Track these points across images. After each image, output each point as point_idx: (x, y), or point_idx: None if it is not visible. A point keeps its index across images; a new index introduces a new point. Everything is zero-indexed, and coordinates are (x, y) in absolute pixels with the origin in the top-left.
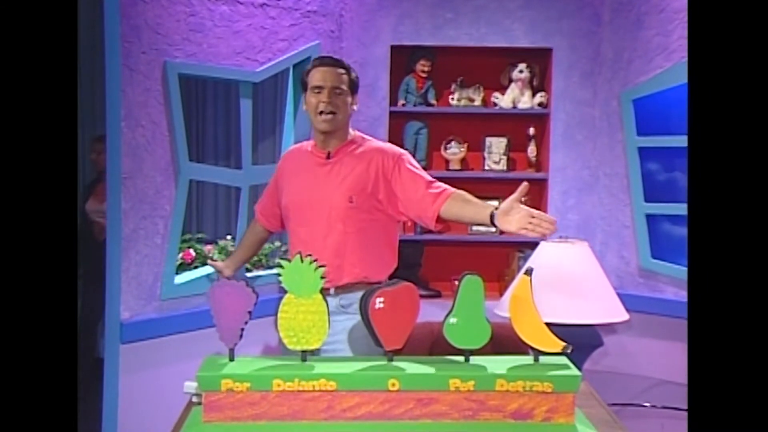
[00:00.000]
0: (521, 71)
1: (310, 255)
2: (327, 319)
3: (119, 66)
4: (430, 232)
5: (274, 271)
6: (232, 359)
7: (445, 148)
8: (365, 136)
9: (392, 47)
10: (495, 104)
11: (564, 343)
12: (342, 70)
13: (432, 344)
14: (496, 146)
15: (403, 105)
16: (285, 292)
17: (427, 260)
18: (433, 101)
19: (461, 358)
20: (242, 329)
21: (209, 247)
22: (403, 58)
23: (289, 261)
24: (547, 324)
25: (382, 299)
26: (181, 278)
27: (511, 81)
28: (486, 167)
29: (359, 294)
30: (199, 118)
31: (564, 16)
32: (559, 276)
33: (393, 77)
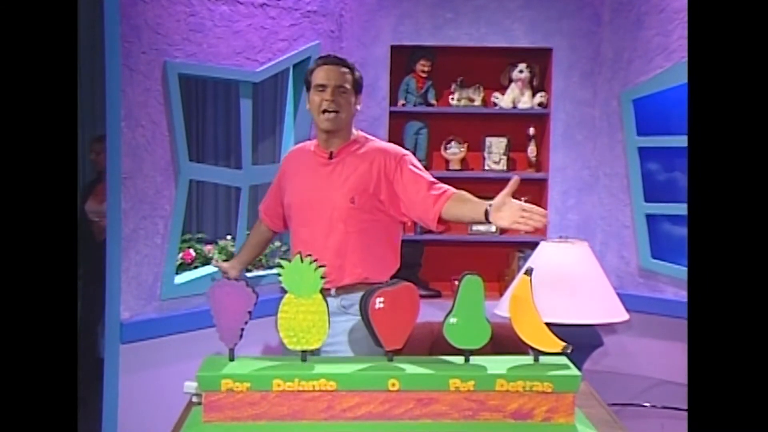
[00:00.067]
0: (521, 71)
1: (309, 255)
2: (327, 319)
3: (119, 66)
4: (430, 232)
5: (274, 271)
6: (232, 359)
7: (445, 148)
8: (368, 136)
9: (392, 47)
10: (495, 104)
11: (564, 343)
12: (346, 69)
13: (432, 344)
14: (496, 146)
15: (403, 105)
16: (285, 292)
17: (427, 260)
18: (433, 101)
19: (461, 358)
20: (242, 329)
21: (209, 247)
22: (403, 58)
23: (289, 261)
24: (547, 324)
25: (382, 299)
26: (181, 278)
27: (511, 81)
28: (486, 167)
29: (360, 295)
30: (199, 118)
31: (564, 16)
32: (559, 276)
33: (393, 77)
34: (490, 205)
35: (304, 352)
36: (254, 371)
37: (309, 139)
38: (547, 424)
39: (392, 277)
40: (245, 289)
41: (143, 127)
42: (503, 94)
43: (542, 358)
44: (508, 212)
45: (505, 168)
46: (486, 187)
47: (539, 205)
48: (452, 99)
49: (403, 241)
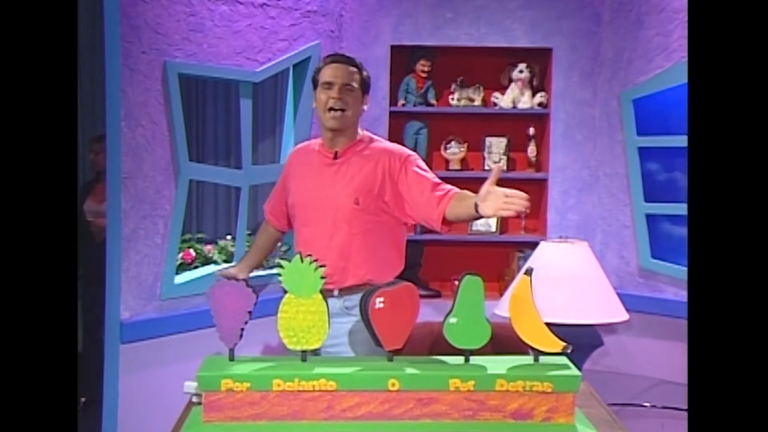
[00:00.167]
0: (521, 71)
1: (310, 255)
2: (327, 319)
3: (119, 66)
4: (430, 231)
5: (274, 271)
6: (232, 359)
7: (445, 148)
8: (374, 136)
9: (392, 47)
10: (495, 104)
11: (564, 343)
12: (354, 68)
13: (432, 344)
14: (496, 146)
15: (403, 105)
16: (285, 292)
17: (427, 260)
18: (433, 101)
19: (461, 358)
20: (242, 329)
21: (209, 247)
22: (403, 58)
23: (290, 261)
24: (547, 324)
25: (382, 299)
26: (181, 278)
27: (511, 81)
28: (486, 167)
29: None
30: (199, 118)
31: (564, 16)
32: (559, 276)
33: (393, 77)
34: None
35: (304, 352)
36: (254, 371)
37: (309, 139)
38: (547, 424)
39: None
40: (245, 289)
41: (143, 127)
42: (503, 94)
43: (542, 358)
44: (493, 201)
45: (505, 168)
46: None
47: (539, 205)
48: (452, 99)
49: None
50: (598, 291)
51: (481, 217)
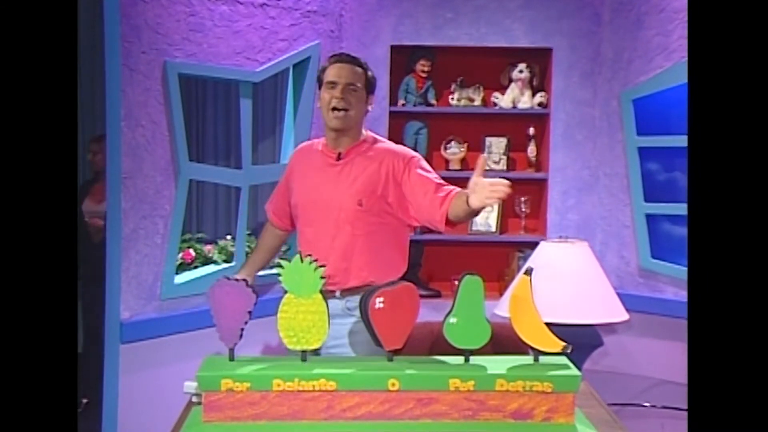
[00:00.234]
0: (521, 71)
1: (310, 255)
2: (327, 319)
3: (119, 66)
4: (430, 232)
5: (274, 271)
6: (232, 359)
7: (445, 148)
8: (378, 137)
9: (392, 47)
10: (495, 104)
11: (564, 343)
12: (358, 68)
13: (432, 344)
14: (496, 146)
15: (403, 105)
16: (285, 291)
17: (427, 260)
18: (433, 101)
19: (461, 358)
20: (242, 329)
21: (209, 247)
22: (403, 58)
23: (290, 261)
24: (547, 324)
25: (382, 299)
26: (181, 278)
27: (511, 81)
28: (486, 167)
29: None
30: (199, 118)
31: (564, 16)
32: (559, 276)
33: (393, 77)
34: None
35: (304, 352)
36: (254, 371)
37: (309, 139)
38: (547, 424)
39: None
40: (245, 289)
41: (143, 127)
42: (503, 94)
43: (542, 358)
44: (480, 191)
45: (505, 168)
46: None
47: (539, 205)
48: (452, 99)
49: None
50: (598, 291)
51: (474, 210)
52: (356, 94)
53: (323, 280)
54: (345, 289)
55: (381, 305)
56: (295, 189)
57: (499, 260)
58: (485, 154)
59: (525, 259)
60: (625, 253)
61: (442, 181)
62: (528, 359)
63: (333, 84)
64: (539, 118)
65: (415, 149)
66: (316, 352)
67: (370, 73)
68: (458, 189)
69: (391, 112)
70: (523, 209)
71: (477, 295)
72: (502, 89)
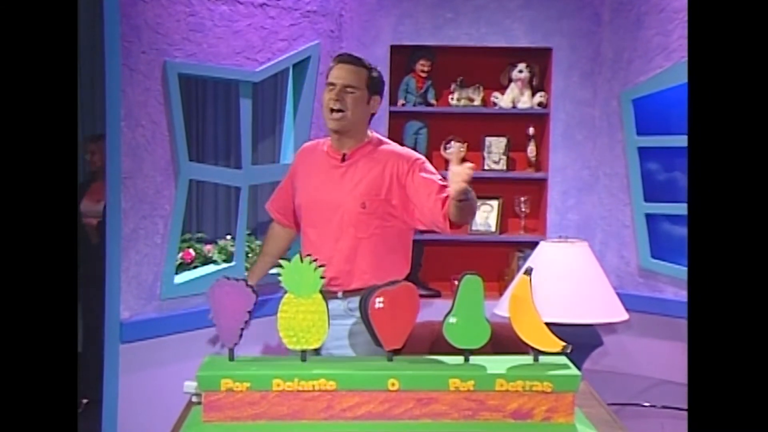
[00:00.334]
0: (521, 71)
1: (309, 255)
2: (327, 319)
3: (119, 66)
4: (430, 231)
5: (274, 271)
6: (232, 359)
7: (445, 148)
8: (383, 139)
9: (392, 47)
10: (495, 104)
11: (564, 343)
12: (360, 69)
13: (432, 344)
14: (496, 146)
15: (403, 105)
16: (285, 291)
17: (427, 260)
18: (433, 101)
19: (461, 358)
20: (242, 329)
21: (209, 246)
22: (402, 58)
23: (289, 261)
24: (547, 324)
25: (382, 299)
26: (180, 278)
27: (510, 81)
28: (486, 167)
29: None
30: (199, 118)
31: (564, 16)
32: (559, 276)
33: (393, 77)
34: None
35: (303, 351)
36: (254, 371)
37: (309, 139)
38: (546, 423)
39: None
40: (245, 289)
41: (143, 127)
42: (503, 93)
43: (542, 358)
44: (450, 180)
45: (504, 168)
46: (486, 187)
47: (539, 205)
48: (452, 99)
49: None
50: (597, 291)
51: (458, 204)
52: (354, 96)
53: (324, 281)
54: (347, 291)
55: (381, 305)
56: (299, 189)
57: (499, 260)
58: (458, 144)
59: (525, 259)
60: (624, 253)
61: (445, 183)
62: (528, 359)
63: (332, 85)
64: (539, 118)
65: (414, 149)
66: (316, 351)
67: (374, 74)
68: None
69: (390, 112)
70: (523, 209)
71: (477, 295)
72: (502, 89)
